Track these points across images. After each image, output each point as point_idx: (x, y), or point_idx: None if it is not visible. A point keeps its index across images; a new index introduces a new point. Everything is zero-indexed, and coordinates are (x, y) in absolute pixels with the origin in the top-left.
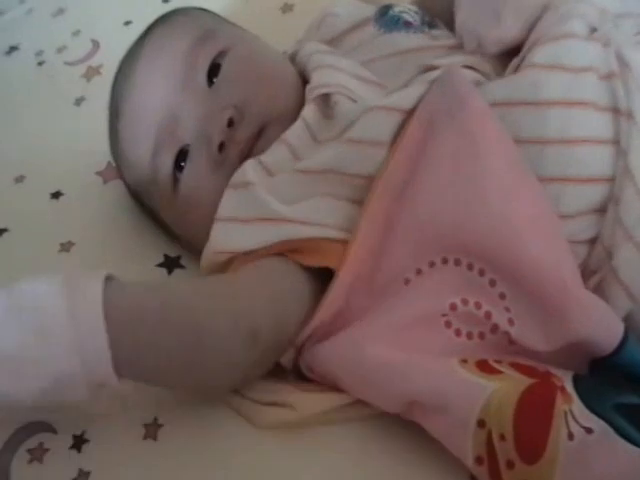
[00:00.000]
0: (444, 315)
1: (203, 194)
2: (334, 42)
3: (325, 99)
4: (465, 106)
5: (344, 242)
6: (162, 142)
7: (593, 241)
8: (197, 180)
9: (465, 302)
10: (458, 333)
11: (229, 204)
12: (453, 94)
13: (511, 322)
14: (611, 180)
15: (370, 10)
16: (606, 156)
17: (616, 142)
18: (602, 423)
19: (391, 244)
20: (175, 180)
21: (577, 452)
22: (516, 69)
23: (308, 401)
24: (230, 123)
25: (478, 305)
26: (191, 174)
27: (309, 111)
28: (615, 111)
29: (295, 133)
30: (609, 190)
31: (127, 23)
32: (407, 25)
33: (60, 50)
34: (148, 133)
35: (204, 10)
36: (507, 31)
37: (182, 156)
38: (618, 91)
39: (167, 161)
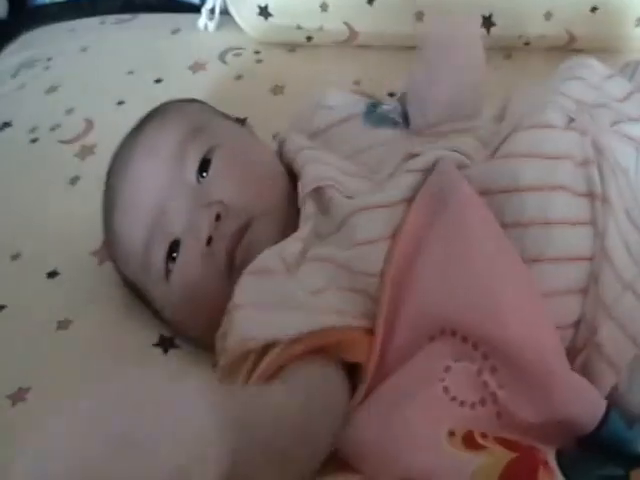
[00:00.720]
0: (441, 380)
1: (195, 285)
2: (322, 133)
3: (319, 192)
4: (456, 196)
5: (364, 330)
6: (154, 235)
7: (578, 323)
8: (188, 272)
9: (459, 359)
10: (454, 399)
11: (250, 290)
12: (446, 186)
13: (499, 394)
14: (590, 259)
15: (359, 105)
16: (585, 237)
17: (593, 224)
18: None
19: (397, 332)
20: (168, 271)
21: None
22: (494, 151)
23: None
24: (217, 218)
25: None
26: (182, 266)
27: (310, 209)
28: (591, 196)
29: (304, 234)
30: (589, 269)
31: (120, 103)
32: (395, 123)
33: (53, 128)
34: (141, 226)
35: (195, 101)
36: None
37: (174, 248)
38: (594, 177)
39: (159, 253)
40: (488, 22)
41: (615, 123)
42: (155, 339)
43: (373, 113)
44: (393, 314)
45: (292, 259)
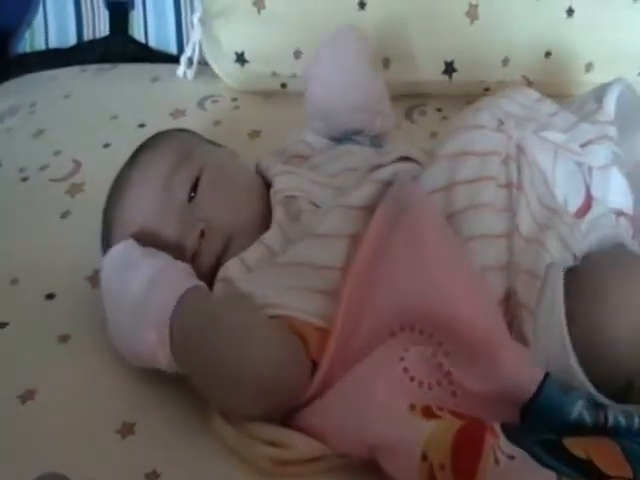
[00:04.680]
0: (401, 359)
1: None
2: (293, 160)
3: (289, 200)
4: (413, 205)
5: (318, 329)
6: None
7: (506, 300)
8: None
9: (416, 345)
10: (412, 379)
11: (217, 294)
12: (404, 196)
13: (453, 372)
14: (508, 237)
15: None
16: (504, 219)
17: (510, 208)
18: (522, 452)
19: (362, 324)
20: None
21: (502, 474)
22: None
23: (303, 442)
24: (202, 234)
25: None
26: None
27: (279, 214)
28: (509, 186)
29: (272, 235)
30: (508, 246)
31: (106, 145)
32: (355, 142)
33: (43, 168)
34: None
35: (184, 130)
36: None
37: None
38: (512, 170)
39: None
40: (450, 68)
41: (538, 130)
42: None
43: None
44: (357, 310)
45: (254, 264)
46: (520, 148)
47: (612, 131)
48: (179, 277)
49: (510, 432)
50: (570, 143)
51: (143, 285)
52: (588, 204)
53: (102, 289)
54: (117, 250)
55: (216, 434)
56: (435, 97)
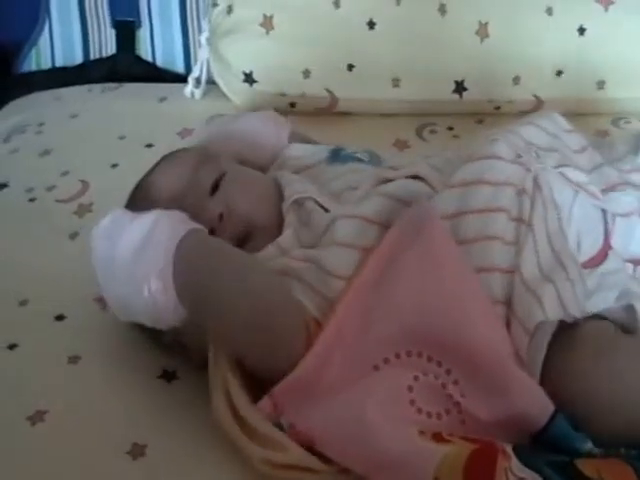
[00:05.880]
0: (409, 389)
1: None
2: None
3: (298, 205)
4: (429, 228)
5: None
6: None
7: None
8: None
9: (426, 374)
10: (419, 411)
11: None
12: (421, 219)
13: (462, 402)
14: (513, 272)
15: (322, 152)
16: (512, 252)
17: (516, 243)
18: (534, 474)
19: (364, 332)
20: None
21: None
22: (449, 178)
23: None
24: (220, 218)
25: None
26: None
27: (292, 219)
28: (519, 220)
29: (286, 238)
30: (510, 280)
31: (114, 166)
32: (359, 160)
33: (50, 189)
34: None
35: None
36: None
37: None
38: (525, 206)
39: None
40: (460, 87)
41: (560, 166)
42: (159, 372)
43: (338, 156)
44: (361, 319)
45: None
46: (537, 183)
47: (638, 179)
48: (174, 224)
49: (522, 453)
50: (590, 185)
51: (137, 242)
52: (604, 254)
53: (93, 258)
54: (106, 220)
55: (217, 424)
56: (446, 116)
